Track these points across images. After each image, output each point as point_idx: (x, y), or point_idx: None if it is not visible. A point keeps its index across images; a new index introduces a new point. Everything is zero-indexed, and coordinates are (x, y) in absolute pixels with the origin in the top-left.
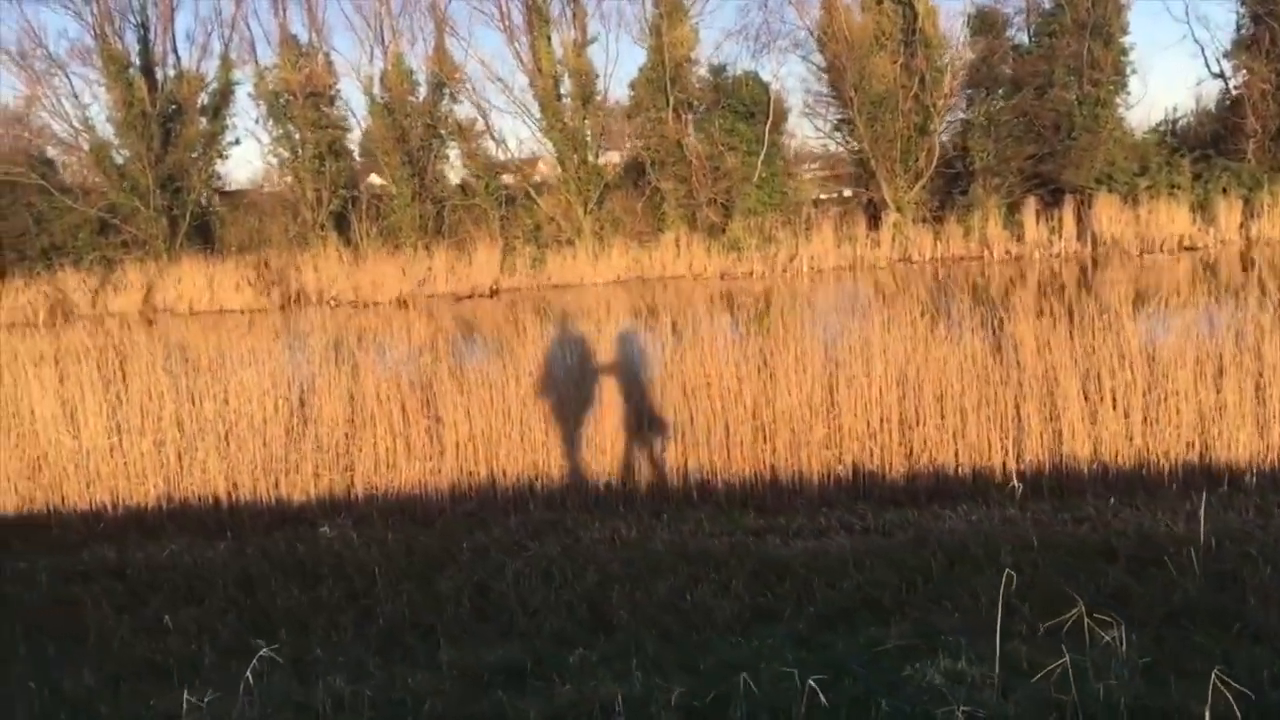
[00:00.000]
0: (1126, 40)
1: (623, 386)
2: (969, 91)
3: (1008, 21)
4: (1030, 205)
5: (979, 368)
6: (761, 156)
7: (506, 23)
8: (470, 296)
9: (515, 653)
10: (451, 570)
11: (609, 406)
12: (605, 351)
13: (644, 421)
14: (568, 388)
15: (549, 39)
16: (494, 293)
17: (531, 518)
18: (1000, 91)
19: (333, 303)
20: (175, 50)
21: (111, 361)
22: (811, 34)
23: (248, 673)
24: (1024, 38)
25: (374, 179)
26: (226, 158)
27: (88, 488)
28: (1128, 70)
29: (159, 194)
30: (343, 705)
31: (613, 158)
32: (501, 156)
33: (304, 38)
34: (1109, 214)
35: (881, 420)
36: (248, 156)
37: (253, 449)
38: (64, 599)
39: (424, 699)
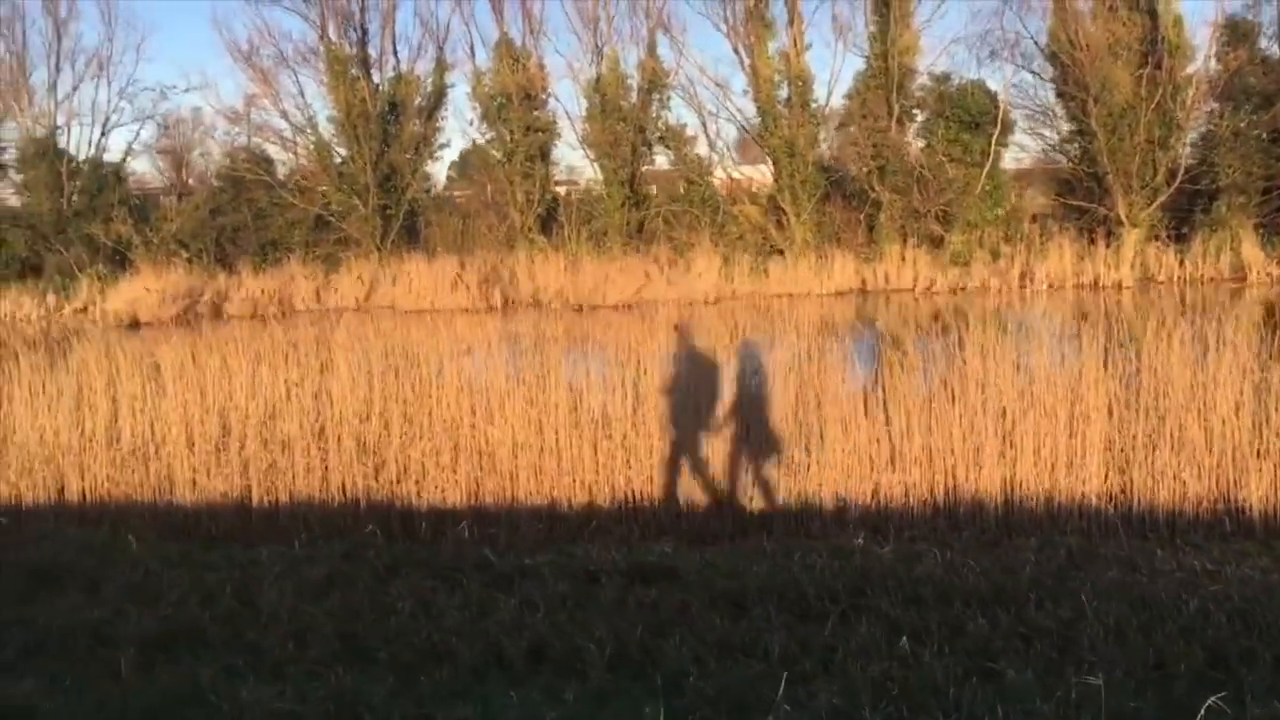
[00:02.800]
0: None
1: (1044, 398)
2: (1213, 105)
3: (1259, 32)
4: None
5: None
6: (985, 170)
7: (731, 24)
8: (692, 303)
9: None
10: (1088, 595)
11: (1048, 416)
12: (1022, 363)
13: (1080, 434)
14: (998, 399)
15: (767, 44)
16: (716, 300)
17: (1054, 542)
18: (1248, 105)
19: (553, 305)
20: (395, 52)
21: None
22: (1036, 43)
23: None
24: (1275, 48)
25: None
26: (438, 159)
27: (510, 481)
28: None
29: (376, 193)
30: None
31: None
32: (715, 162)
33: (519, 40)
34: None
35: None
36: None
37: (706, 451)
38: (644, 602)
39: None
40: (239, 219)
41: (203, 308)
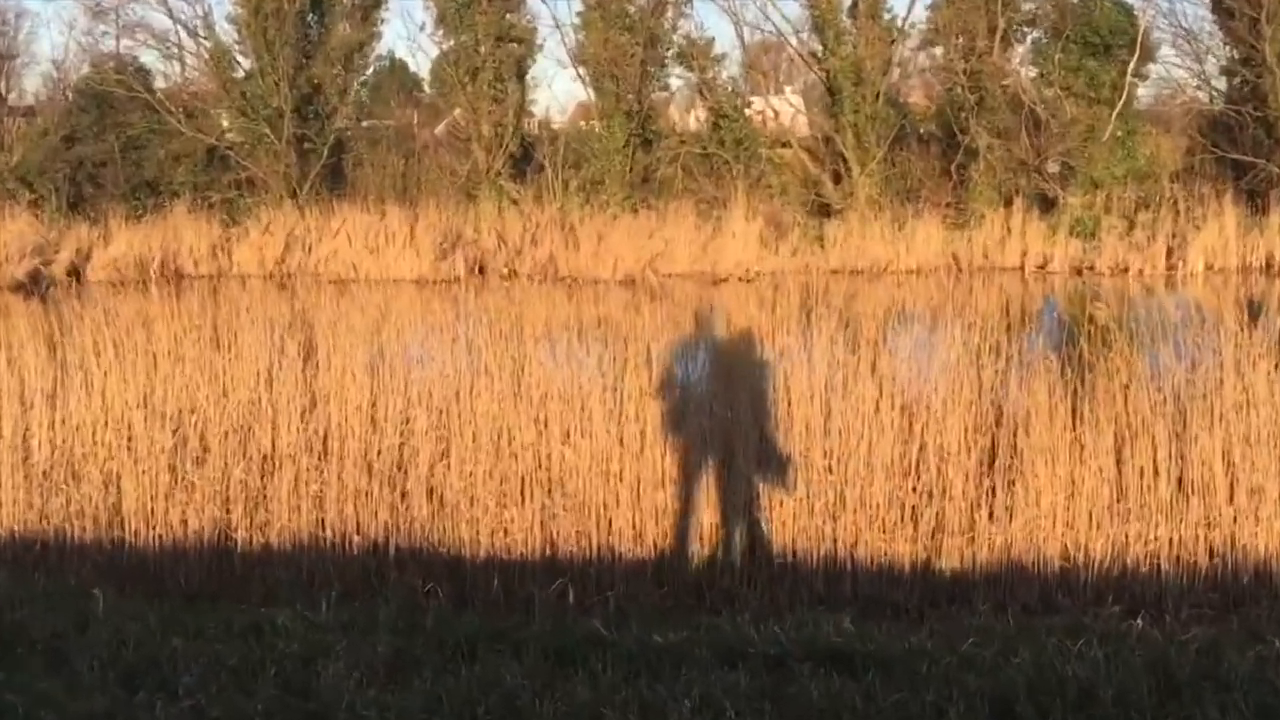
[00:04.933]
0: None
1: None
2: None
3: None
4: None
5: None
6: (1116, 109)
7: None
8: (724, 280)
9: None
10: None
11: None
12: None
13: None
14: None
15: None
16: (752, 277)
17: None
18: None
19: (538, 277)
20: None
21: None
22: None
23: None
24: None
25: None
26: (366, 83)
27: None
28: None
29: (292, 120)
30: None
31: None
32: (747, 91)
33: None
34: None
35: None
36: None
37: (864, 488)
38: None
39: None
40: (104, 150)
41: (57, 269)
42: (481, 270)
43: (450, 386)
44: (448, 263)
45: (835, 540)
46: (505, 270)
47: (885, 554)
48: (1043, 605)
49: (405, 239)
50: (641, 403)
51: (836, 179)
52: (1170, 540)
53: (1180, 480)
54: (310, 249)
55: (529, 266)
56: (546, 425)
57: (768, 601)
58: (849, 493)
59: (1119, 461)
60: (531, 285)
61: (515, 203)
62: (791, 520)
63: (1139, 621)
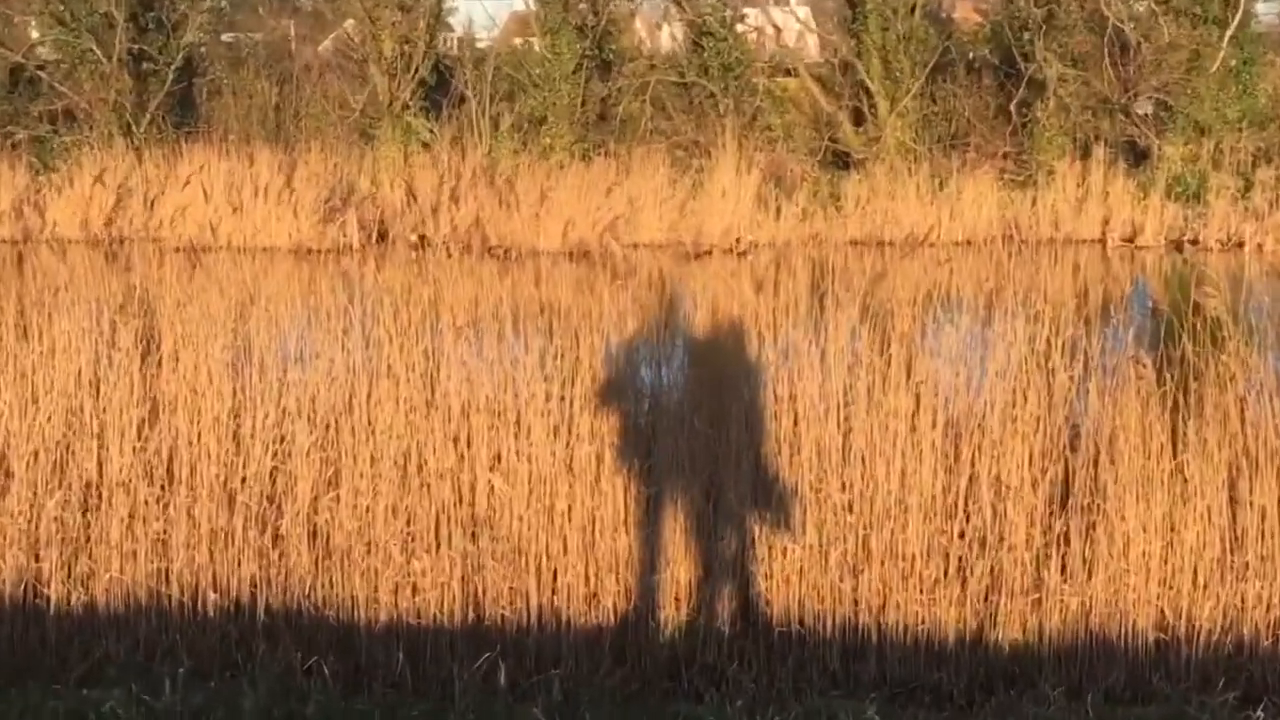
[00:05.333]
0: None
1: None
2: None
3: None
4: None
5: None
6: (1230, 31)
7: None
8: (708, 252)
9: None
10: None
11: None
12: None
13: None
14: None
15: None
16: (740, 251)
17: None
18: None
19: (459, 246)
20: None
21: None
22: None
23: None
24: None
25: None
26: None
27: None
28: None
29: (127, 32)
30: None
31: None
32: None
33: None
34: None
35: None
36: None
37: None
38: None
39: None
40: None
41: None
42: (383, 237)
43: (340, 392)
44: (337, 226)
45: (856, 603)
46: (414, 237)
47: (923, 621)
48: (1132, 690)
49: (280, 193)
50: (597, 417)
51: (858, 119)
52: None
53: None
54: (151, 205)
55: (447, 232)
56: (470, 446)
57: (766, 684)
58: (875, 539)
59: (1233, 500)
60: (451, 258)
61: (428, 146)
62: (798, 576)
63: (1260, 712)
